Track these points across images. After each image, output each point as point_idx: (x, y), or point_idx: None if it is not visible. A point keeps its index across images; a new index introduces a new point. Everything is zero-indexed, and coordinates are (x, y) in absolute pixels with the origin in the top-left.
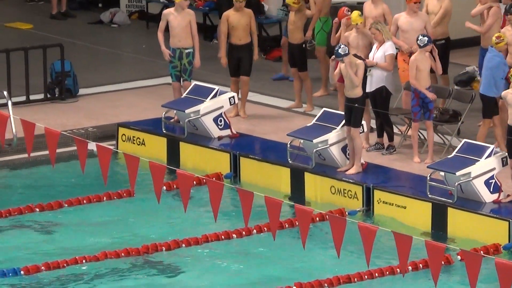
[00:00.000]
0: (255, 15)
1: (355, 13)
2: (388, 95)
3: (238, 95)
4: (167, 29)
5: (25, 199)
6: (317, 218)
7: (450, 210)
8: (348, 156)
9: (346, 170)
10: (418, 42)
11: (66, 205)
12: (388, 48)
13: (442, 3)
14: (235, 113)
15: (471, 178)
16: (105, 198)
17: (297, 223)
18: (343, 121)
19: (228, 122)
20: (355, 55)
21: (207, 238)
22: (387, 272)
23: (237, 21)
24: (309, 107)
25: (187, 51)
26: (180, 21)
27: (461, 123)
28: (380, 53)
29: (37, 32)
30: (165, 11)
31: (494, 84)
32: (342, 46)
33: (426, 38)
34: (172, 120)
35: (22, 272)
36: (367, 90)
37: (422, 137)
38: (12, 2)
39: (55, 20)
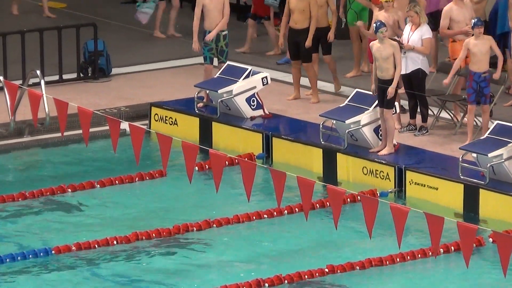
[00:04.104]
0: None
1: None
2: (424, 77)
3: (299, 79)
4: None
5: (57, 179)
6: (349, 199)
7: (482, 192)
8: (380, 137)
9: (378, 151)
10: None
11: (98, 185)
12: (425, 32)
13: None
14: (293, 96)
15: (503, 160)
16: (137, 178)
17: (328, 204)
18: (376, 102)
19: (260, 102)
20: (391, 38)
21: (239, 218)
22: (419, 255)
23: (294, 5)
24: (337, 86)
25: (223, 33)
26: (216, 4)
27: (493, 105)
28: (416, 36)
29: (71, 11)
30: None
31: None
32: (380, 22)
33: (474, 20)
34: (204, 100)
35: (53, 252)
36: (402, 72)
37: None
38: None
39: (89, 0)
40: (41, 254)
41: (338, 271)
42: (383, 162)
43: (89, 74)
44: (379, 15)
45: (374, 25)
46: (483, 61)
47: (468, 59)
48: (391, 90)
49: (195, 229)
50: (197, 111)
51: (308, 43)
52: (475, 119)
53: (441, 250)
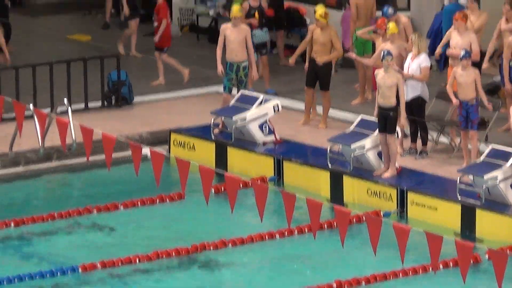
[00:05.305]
0: (296, 27)
1: (392, 23)
2: (423, 103)
3: (311, 105)
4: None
5: (84, 201)
6: (354, 220)
7: (478, 212)
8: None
9: (382, 174)
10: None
11: (121, 207)
12: (423, 60)
13: (479, 18)
14: (303, 121)
15: (498, 182)
16: (158, 200)
17: (335, 225)
18: None
19: (272, 128)
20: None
21: (252, 238)
22: (420, 270)
23: (317, 36)
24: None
25: (243, 64)
26: (236, 36)
27: (488, 130)
28: (415, 64)
29: (95, 43)
30: (223, 26)
31: None
32: (388, 52)
33: (462, 52)
34: (219, 127)
35: (80, 270)
36: None
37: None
38: (73, 15)
39: (112, 32)
40: (69, 271)
41: (346, 286)
42: (386, 184)
43: (113, 103)
44: (385, 46)
45: (382, 53)
46: (468, 90)
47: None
48: (403, 121)
49: (211, 248)
50: (213, 137)
51: (320, 59)
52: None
53: (441, 266)
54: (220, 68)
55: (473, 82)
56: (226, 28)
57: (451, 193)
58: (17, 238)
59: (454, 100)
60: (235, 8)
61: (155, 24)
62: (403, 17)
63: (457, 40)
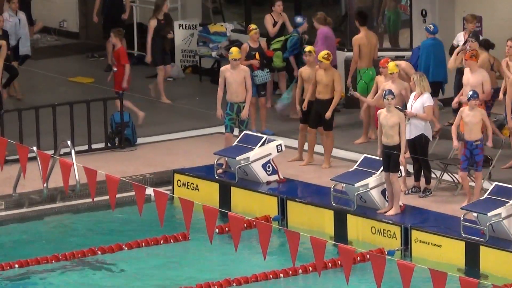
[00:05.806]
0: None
1: (392, 63)
2: (426, 142)
3: (314, 145)
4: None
5: (88, 242)
6: (358, 258)
7: (482, 248)
8: (387, 199)
9: (386, 212)
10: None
11: (125, 247)
12: (426, 99)
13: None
14: (307, 161)
15: (501, 219)
16: (162, 241)
17: (339, 263)
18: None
19: (275, 168)
20: (396, 108)
21: (257, 277)
22: None
23: (320, 78)
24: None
25: (243, 104)
26: (235, 78)
27: (492, 167)
28: (418, 104)
29: (98, 85)
30: (222, 68)
31: None
32: (389, 91)
33: (470, 92)
34: (223, 167)
35: None
36: (406, 137)
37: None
38: (75, 58)
39: None
40: None
41: None
42: (390, 222)
43: (116, 144)
44: (386, 85)
45: (384, 92)
46: (474, 130)
47: None
48: (403, 159)
49: (216, 287)
50: (216, 177)
51: (328, 114)
52: (473, 179)
53: None
54: (219, 112)
55: (479, 122)
56: (225, 70)
57: (455, 230)
58: (21, 279)
59: (455, 143)
60: (234, 50)
61: (115, 69)
62: (402, 62)
63: (468, 77)
